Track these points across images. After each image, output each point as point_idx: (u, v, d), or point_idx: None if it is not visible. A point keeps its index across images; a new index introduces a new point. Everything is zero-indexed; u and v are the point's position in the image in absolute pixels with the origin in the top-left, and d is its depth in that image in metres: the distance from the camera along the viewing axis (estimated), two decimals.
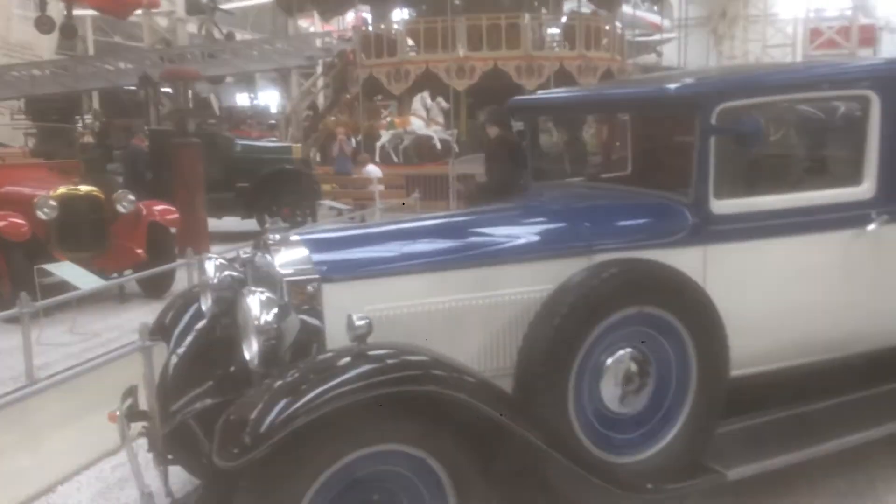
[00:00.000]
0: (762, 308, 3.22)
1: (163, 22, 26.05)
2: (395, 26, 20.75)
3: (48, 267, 6.71)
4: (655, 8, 28.80)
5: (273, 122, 28.71)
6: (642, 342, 2.93)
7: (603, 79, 19.11)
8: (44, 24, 21.18)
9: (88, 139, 15.44)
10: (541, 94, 4.72)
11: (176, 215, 8.42)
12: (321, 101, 24.66)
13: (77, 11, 22.15)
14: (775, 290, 3.25)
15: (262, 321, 2.62)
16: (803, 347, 3.35)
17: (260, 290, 2.74)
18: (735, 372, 3.05)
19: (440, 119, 18.00)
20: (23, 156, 11.35)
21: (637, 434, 2.96)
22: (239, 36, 29.02)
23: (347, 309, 2.77)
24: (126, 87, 22.36)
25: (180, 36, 25.17)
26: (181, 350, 3.47)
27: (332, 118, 20.15)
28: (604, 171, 4.32)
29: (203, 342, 3.48)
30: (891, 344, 3.54)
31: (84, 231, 7.83)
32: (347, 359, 2.46)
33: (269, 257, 3.06)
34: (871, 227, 3.29)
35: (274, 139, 19.52)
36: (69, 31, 22.13)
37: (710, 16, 33.25)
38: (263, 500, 2.36)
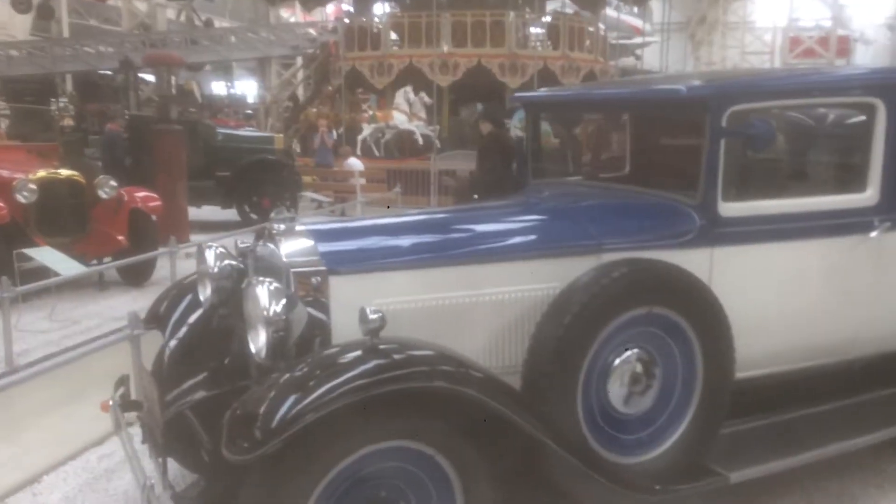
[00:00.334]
0: (765, 311, 3.23)
1: (142, 6, 25.66)
2: (376, 19, 20.61)
3: (28, 251, 6.56)
4: (636, 10, 28.94)
5: (250, 111, 28.41)
6: (650, 343, 2.92)
7: (585, 80, 19.16)
8: (21, 3, 20.76)
9: (68, 122, 15.11)
10: (546, 91, 4.70)
11: (158, 202, 8.28)
12: (301, 92, 24.46)
13: None
14: (779, 293, 3.26)
15: (271, 312, 2.55)
16: (806, 351, 3.37)
17: (268, 280, 2.67)
18: (738, 374, 3.06)
19: (422, 114, 17.93)
20: None
21: (642, 435, 2.95)
22: (217, 23, 28.68)
23: (354, 302, 2.72)
24: (101, 72, 22.01)
25: (160, 21, 24.82)
26: (176, 340, 3.40)
27: (314, 110, 19.96)
28: (602, 171, 4.31)
29: (199, 332, 3.42)
30: (893, 348, 3.57)
31: (64, 216, 7.68)
32: (359, 354, 2.41)
33: (272, 247, 3.00)
34: (874, 233, 3.32)
35: (251, 129, 19.31)
36: (46, 11, 21.73)
37: (688, 21, 33.55)
38: (272, 496, 2.31)
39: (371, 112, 18.81)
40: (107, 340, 4.19)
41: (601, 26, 22.13)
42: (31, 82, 20.82)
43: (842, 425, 3.32)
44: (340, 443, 2.37)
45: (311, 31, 22.68)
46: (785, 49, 29.23)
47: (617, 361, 2.87)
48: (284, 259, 2.85)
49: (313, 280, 2.81)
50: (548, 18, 21.03)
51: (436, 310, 2.88)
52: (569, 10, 22.20)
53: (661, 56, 24.04)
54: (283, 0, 26.24)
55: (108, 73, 22.39)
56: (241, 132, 15.38)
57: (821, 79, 3.39)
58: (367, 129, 18.01)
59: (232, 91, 35.23)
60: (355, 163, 15.19)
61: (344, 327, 2.74)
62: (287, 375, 2.41)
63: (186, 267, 8.00)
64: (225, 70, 33.05)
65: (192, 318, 3.47)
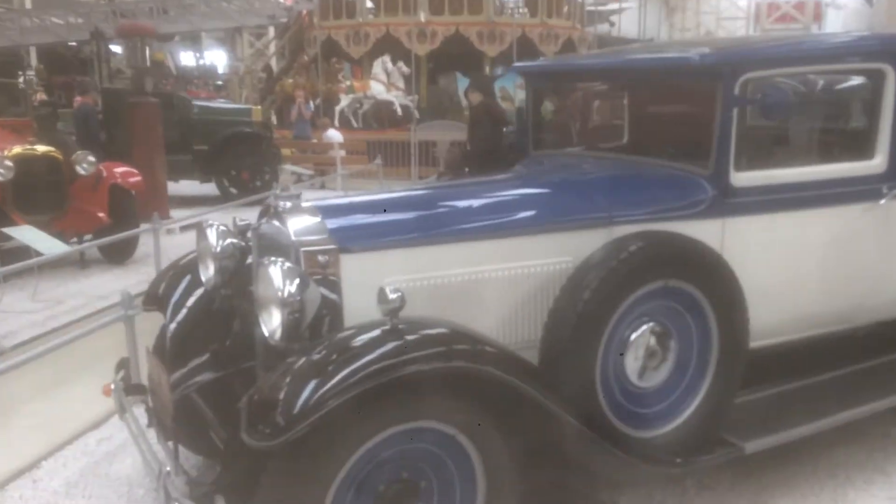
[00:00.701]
0: (776, 281, 3.21)
1: None
2: None
3: (9, 231, 6.40)
4: None
5: (220, 82, 27.83)
6: (665, 316, 2.90)
7: (564, 48, 19.02)
8: None
9: (41, 97, 14.69)
10: (548, 60, 4.61)
11: (139, 178, 8.11)
12: (275, 63, 24.02)
13: None
14: (789, 263, 3.25)
15: (286, 293, 2.47)
16: (814, 320, 3.37)
17: (280, 259, 2.59)
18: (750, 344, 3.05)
19: (400, 84, 17.72)
20: None
21: (659, 408, 2.94)
22: None
23: (365, 281, 2.66)
24: (68, 44, 21.36)
25: None
26: (177, 321, 3.31)
27: (290, 80, 19.62)
28: (604, 142, 4.25)
29: (200, 313, 3.33)
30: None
31: (42, 193, 7.48)
32: (380, 335, 2.35)
33: (278, 224, 2.90)
34: (883, 201, 3.31)
35: (223, 100, 18.93)
36: None
37: None
38: (295, 481, 2.26)
39: (348, 82, 18.52)
40: (102, 321, 4.07)
41: None
42: None
43: (851, 392, 3.33)
44: (363, 426, 2.31)
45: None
46: (762, 14, 29.22)
47: (633, 336, 2.84)
48: (293, 237, 2.75)
49: (321, 258, 2.72)
50: None
51: (448, 287, 2.82)
52: None
53: (639, 23, 23.89)
54: None
55: (73, 44, 21.75)
56: (218, 104, 15.07)
57: (833, 45, 3.35)
58: (344, 100, 17.76)
59: (201, 62, 34.49)
60: (335, 134, 15.01)
61: (355, 307, 2.67)
62: (305, 358, 2.34)
63: (169, 244, 7.89)
64: (193, 40, 32.33)
65: (193, 299, 3.38)
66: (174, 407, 2.76)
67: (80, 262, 7.83)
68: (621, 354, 2.83)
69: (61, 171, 7.62)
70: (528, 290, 2.93)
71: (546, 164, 3.92)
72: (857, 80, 3.47)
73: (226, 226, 3.29)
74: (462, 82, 18.48)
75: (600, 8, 29.36)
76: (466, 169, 7.02)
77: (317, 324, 2.66)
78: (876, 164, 3.33)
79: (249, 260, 3.20)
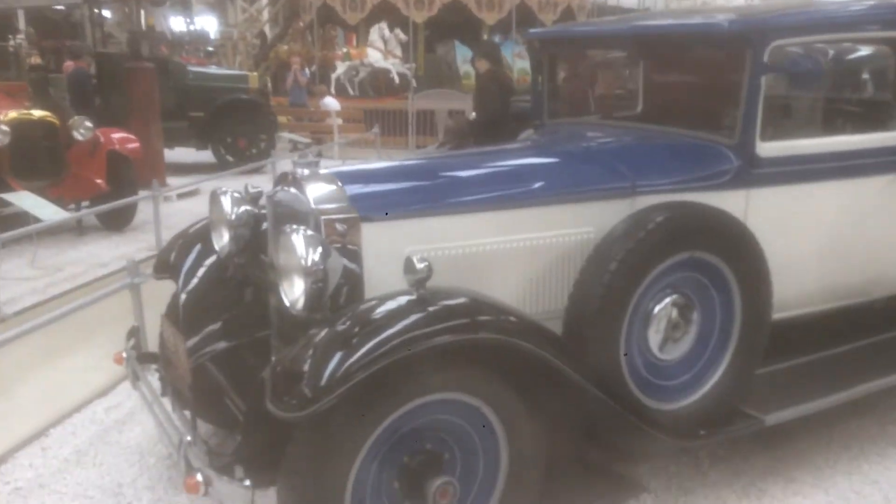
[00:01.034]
0: (799, 252, 3.18)
1: None
2: None
3: (7, 196, 6.29)
4: None
5: (211, 48, 27.36)
6: (689, 287, 2.86)
7: (564, 16, 18.78)
8: None
9: (36, 60, 14.40)
10: (565, 26, 4.51)
11: (137, 144, 7.96)
12: (268, 29, 23.64)
13: None
14: (812, 234, 3.21)
15: (309, 262, 2.41)
16: (835, 291, 3.35)
17: (302, 227, 2.53)
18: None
19: (398, 52, 17.46)
20: None
21: (681, 380, 2.91)
22: None
23: (386, 250, 2.62)
24: (56, 7, 20.97)
25: None
26: (189, 289, 3.25)
27: (286, 47, 19.32)
28: (621, 111, 4.18)
29: (213, 281, 3.28)
30: None
31: (39, 158, 7.34)
32: (407, 305, 2.30)
33: (295, 191, 2.83)
34: None
35: (217, 67, 18.63)
36: None
37: None
38: (321, 452, 2.22)
39: (345, 49, 18.25)
40: (110, 289, 4.00)
41: None
42: None
43: (869, 365, 3.31)
44: (389, 397, 2.27)
45: None
46: None
47: (657, 308, 2.80)
48: (313, 205, 2.68)
49: (339, 227, 2.65)
50: None
51: (469, 257, 2.77)
52: None
53: None
54: None
55: (61, 8, 21.32)
56: (214, 70, 14.86)
57: (864, 11, 3.27)
58: (340, 68, 17.49)
59: (192, 27, 33.89)
60: (331, 102, 14.81)
61: (376, 277, 2.62)
62: (329, 329, 2.29)
63: (166, 211, 7.79)
64: (184, 5, 31.75)
65: (204, 267, 3.33)
66: (192, 375, 2.70)
67: (77, 229, 7.72)
68: (644, 326, 2.79)
69: (58, 136, 7.48)
70: (549, 261, 2.89)
71: (562, 133, 3.85)
72: (882, 50, 3.40)
73: (239, 192, 3.22)
74: (460, 49, 18.26)
75: None
76: (472, 139, 6.91)
77: (336, 294, 2.61)
78: None
79: (263, 227, 3.14)
